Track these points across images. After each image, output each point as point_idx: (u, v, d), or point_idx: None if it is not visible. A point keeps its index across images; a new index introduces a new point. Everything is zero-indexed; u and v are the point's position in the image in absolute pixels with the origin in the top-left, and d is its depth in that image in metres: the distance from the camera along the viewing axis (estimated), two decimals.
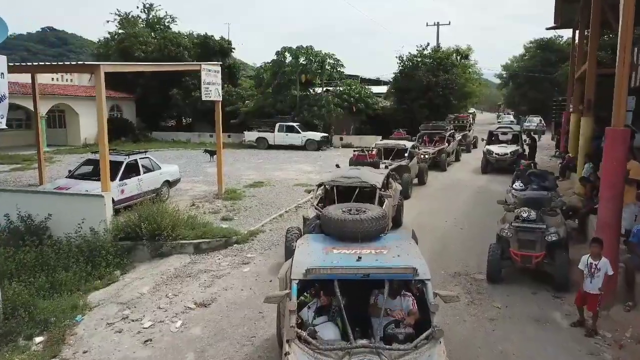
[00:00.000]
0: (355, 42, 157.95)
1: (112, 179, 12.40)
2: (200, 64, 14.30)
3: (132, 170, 13.43)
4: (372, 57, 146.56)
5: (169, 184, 14.87)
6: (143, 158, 14.05)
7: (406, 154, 16.37)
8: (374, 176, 9.98)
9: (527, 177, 12.30)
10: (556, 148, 25.29)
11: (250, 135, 31.24)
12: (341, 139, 32.60)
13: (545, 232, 8.23)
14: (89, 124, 31.70)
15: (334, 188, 9.80)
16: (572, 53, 23.71)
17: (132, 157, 13.58)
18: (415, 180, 16.99)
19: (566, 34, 67.57)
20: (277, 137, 30.43)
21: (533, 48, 54.08)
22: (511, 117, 52.64)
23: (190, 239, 10.40)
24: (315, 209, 9.31)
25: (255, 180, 18.37)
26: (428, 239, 10.91)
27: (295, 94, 32.69)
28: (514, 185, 11.36)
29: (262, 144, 30.71)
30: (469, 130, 29.69)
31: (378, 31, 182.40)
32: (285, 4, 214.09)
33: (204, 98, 14.42)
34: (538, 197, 9.57)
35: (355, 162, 11.85)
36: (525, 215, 8.47)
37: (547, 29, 23.93)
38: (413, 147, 17.27)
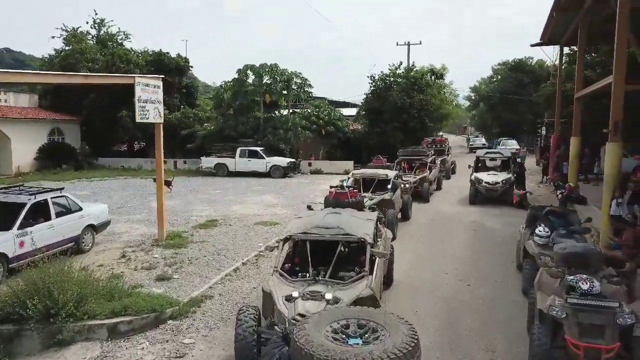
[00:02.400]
0: (323, 65, 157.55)
1: (8, 227, 9.30)
2: (134, 77, 11.32)
3: (40, 213, 10.27)
4: (340, 80, 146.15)
5: (94, 228, 11.69)
6: (57, 197, 10.88)
7: (389, 186, 13.74)
8: (361, 224, 7.20)
9: (546, 217, 9.83)
10: (543, 174, 23.26)
11: (208, 161, 28.14)
12: (310, 164, 29.87)
13: (618, 312, 5.62)
14: (24, 149, 28.07)
15: (307, 242, 6.98)
16: (559, 72, 21.92)
17: (41, 197, 10.40)
18: (399, 215, 14.37)
19: (537, 55, 68.01)
20: (238, 163, 27.44)
21: (503, 70, 53.29)
22: (482, 140, 51.29)
23: (104, 318, 7.31)
24: (279, 276, 6.45)
25: (209, 217, 15.33)
26: (430, 306, 8.19)
27: (258, 115, 29.94)
28: (537, 231, 8.77)
29: (221, 171, 27.64)
30: (448, 155, 27.55)
31: (346, 54, 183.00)
32: (251, 24, 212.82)
33: (138, 119, 11.43)
34: (585, 252, 6.96)
35: (332, 202, 9.04)
36: (585, 286, 5.84)
37: (532, 45, 22.13)
38: (396, 176, 14.66)
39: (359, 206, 9.07)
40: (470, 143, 52.25)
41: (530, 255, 8.80)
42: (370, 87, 32.88)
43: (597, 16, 15.96)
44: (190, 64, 35.02)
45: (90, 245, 11.44)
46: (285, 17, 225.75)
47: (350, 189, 9.67)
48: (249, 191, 21.61)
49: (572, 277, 6.03)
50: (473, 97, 62.09)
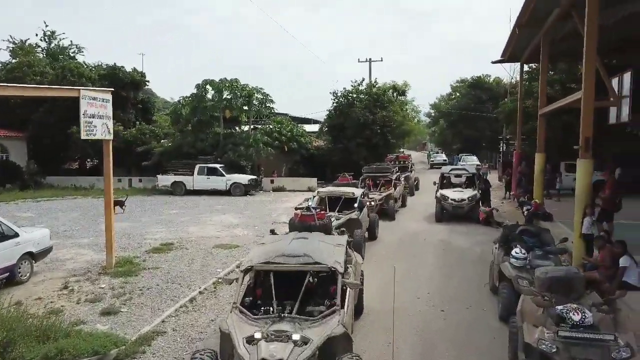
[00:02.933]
0: (285, 80, 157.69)
1: None
2: (79, 89, 10.36)
3: None
4: (303, 96, 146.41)
5: (33, 256, 10.52)
6: None
7: (355, 204, 13.16)
8: (331, 251, 6.53)
9: (520, 237, 9.46)
10: (506, 190, 23.31)
11: (165, 180, 26.92)
12: (272, 181, 29.08)
13: (613, 346, 5.15)
14: None
15: (271, 273, 6.24)
16: (520, 89, 22.16)
17: None
18: (366, 235, 13.78)
19: (494, 73, 69.81)
20: (196, 180, 26.36)
21: (461, 87, 54.33)
22: (443, 156, 51.83)
23: None
24: (239, 313, 5.67)
25: (164, 240, 14.31)
26: (405, 336, 7.56)
27: (218, 131, 29.04)
28: (513, 253, 8.33)
29: (179, 190, 26.47)
30: (411, 171, 27.36)
31: (309, 70, 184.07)
32: (214, 40, 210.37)
33: (84, 136, 10.47)
34: (568, 276, 6.55)
35: (298, 225, 8.33)
36: (577, 317, 5.35)
37: (494, 62, 22.34)
38: (363, 195, 14.11)
39: (327, 229, 8.41)
40: (431, 159, 52.71)
41: (507, 278, 8.35)
42: (333, 103, 32.65)
43: (558, 34, 16.12)
44: (147, 79, 33.75)
45: (27, 275, 10.27)
46: (249, 33, 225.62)
47: (317, 210, 8.99)
48: (207, 211, 20.62)
49: (561, 308, 5.54)
50: (433, 114, 63.02)
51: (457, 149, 52.83)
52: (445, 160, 51.48)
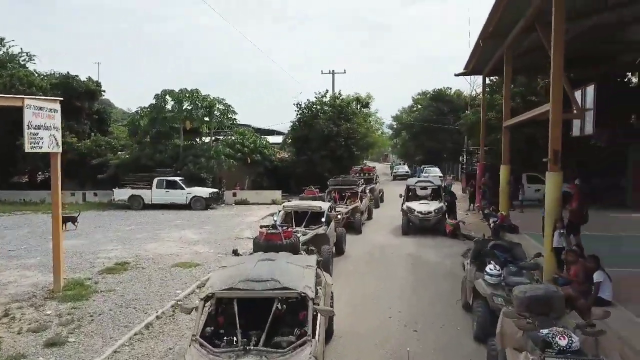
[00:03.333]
0: (247, 92, 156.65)
1: None
2: (23, 98, 9.51)
3: None
4: (266, 107, 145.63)
5: None
6: None
7: (323, 219, 12.70)
8: (300, 274, 6.03)
9: (492, 253, 9.22)
10: (470, 202, 23.41)
11: (122, 193, 25.75)
12: (234, 194, 28.31)
13: None
14: None
15: (234, 300, 5.67)
16: (483, 101, 22.38)
17: None
18: (333, 249, 13.34)
19: (455, 85, 71.12)
20: (155, 194, 25.32)
21: (422, 99, 55.07)
22: (405, 168, 52.25)
23: None
24: (199, 347, 5.08)
25: (119, 259, 13.43)
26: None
27: (178, 143, 28.10)
28: (488, 269, 8.05)
29: (136, 204, 25.36)
30: (376, 183, 27.20)
31: (272, 81, 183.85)
32: (171, 49, 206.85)
33: (28, 149, 9.61)
34: (547, 295, 6.27)
35: (263, 244, 7.78)
36: (563, 342, 5.03)
37: (456, 75, 22.57)
38: (330, 208, 13.68)
39: (295, 248, 7.91)
40: (394, 171, 53.03)
41: (481, 296, 8.05)
42: (297, 114, 32.26)
43: (521, 47, 16.30)
44: (103, 88, 32.46)
45: None
46: (211, 44, 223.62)
47: (284, 228, 8.45)
48: (166, 226, 19.71)
49: (547, 332, 5.22)
50: (395, 126, 63.61)
51: (419, 160, 53.38)
52: (407, 172, 51.88)
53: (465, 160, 33.33)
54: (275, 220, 12.73)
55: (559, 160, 9.82)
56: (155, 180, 25.47)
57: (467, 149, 24.82)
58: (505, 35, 15.24)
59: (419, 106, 57.47)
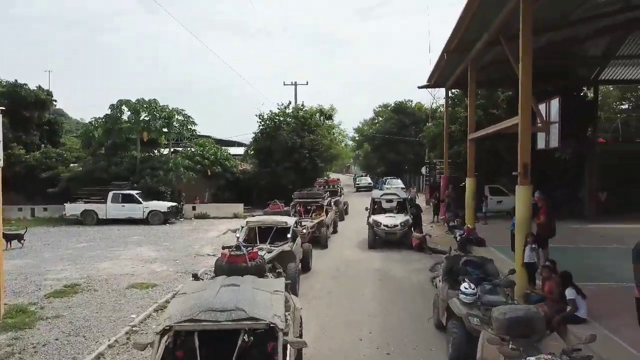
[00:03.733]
0: (207, 103, 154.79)
1: None
2: None
3: None
4: (228, 118, 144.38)
5: None
6: None
7: (289, 235, 12.18)
8: (268, 302, 5.47)
9: (465, 270, 8.97)
10: (434, 214, 23.42)
11: (74, 208, 24.41)
12: (194, 208, 27.35)
13: None
14: None
15: (195, 333, 5.07)
16: (446, 114, 22.52)
17: None
18: (299, 266, 12.83)
19: (416, 97, 72.19)
20: (110, 209, 24.13)
21: (384, 112, 55.58)
22: (368, 180, 52.41)
23: None
24: None
25: (68, 281, 12.48)
26: None
27: (135, 155, 26.99)
28: (462, 288, 7.75)
29: (89, 219, 24.09)
30: (340, 196, 26.91)
31: (233, 92, 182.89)
32: (131, 59, 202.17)
33: None
34: (528, 317, 6.00)
35: (226, 267, 7.18)
36: None
37: (420, 87, 22.61)
38: (296, 223, 13.18)
39: (261, 271, 7.35)
40: (357, 183, 53.13)
41: (456, 316, 7.74)
42: (259, 126, 31.71)
43: (484, 61, 16.43)
44: (54, 98, 30.94)
45: None
46: (171, 54, 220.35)
47: (249, 249, 7.89)
48: (122, 243, 18.68)
49: (534, 359, 4.90)
50: (357, 138, 63.93)
51: (381, 172, 53.67)
52: (370, 184, 52.08)
53: (428, 172, 33.52)
54: (238, 238, 12.15)
55: (528, 174, 9.72)
56: (110, 194, 24.29)
57: (431, 162, 24.88)
58: (469, 49, 15.30)
59: (380, 118, 57.99)
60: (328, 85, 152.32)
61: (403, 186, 42.16)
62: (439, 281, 9.22)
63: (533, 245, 9.64)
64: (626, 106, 39.92)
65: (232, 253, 7.56)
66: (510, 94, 23.11)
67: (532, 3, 9.94)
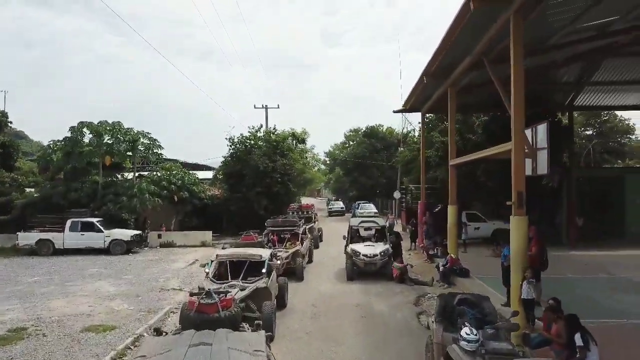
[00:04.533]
0: (176, 126, 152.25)
1: None
2: None
3: None
4: (197, 142, 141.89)
5: None
6: None
7: (263, 269, 11.14)
8: None
9: (459, 308, 8.16)
10: (412, 241, 22.71)
11: (28, 237, 22.61)
12: (160, 236, 25.84)
13: None
14: None
15: None
16: (422, 138, 22.04)
17: None
18: (274, 304, 11.74)
19: (387, 123, 72.72)
20: (68, 238, 22.44)
21: (354, 136, 55.44)
22: (341, 204, 51.78)
23: None
24: None
25: (14, 323, 11.07)
26: None
27: (96, 180, 25.45)
28: (464, 334, 6.90)
29: (45, 249, 22.32)
30: (315, 222, 25.94)
31: (203, 114, 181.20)
32: (96, 80, 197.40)
33: None
34: None
35: (195, 318, 6.11)
36: None
37: (395, 111, 22.15)
38: (271, 256, 12.16)
39: (235, 322, 6.32)
40: (329, 207, 52.42)
41: None
42: (230, 149, 30.62)
43: (461, 84, 16.01)
44: (9, 119, 29.15)
45: None
46: (138, 76, 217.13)
47: (222, 296, 6.82)
48: (79, 276, 17.15)
49: None
50: (328, 162, 63.48)
51: (353, 196, 53.11)
52: (342, 208, 51.46)
53: (404, 198, 32.96)
54: (207, 273, 11.06)
55: (523, 203, 9.08)
56: (68, 222, 22.62)
57: (407, 187, 24.30)
58: (449, 72, 14.85)
59: (351, 142, 57.82)
60: (297, 111, 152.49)
61: (376, 211, 41.62)
62: (432, 322, 8.37)
63: (531, 280, 8.92)
64: (590, 132, 40.74)
65: (201, 301, 6.48)
66: (486, 119, 22.93)
67: (522, 23, 9.47)
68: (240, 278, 11.01)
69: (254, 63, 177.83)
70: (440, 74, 15.03)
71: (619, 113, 36.72)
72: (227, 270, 11.34)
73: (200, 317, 6.17)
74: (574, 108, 22.84)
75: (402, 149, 34.99)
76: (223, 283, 10.70)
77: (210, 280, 10.85)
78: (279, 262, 15.26)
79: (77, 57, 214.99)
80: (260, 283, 10.61)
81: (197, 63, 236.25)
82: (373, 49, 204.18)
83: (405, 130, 44.35)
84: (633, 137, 42.46)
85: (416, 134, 42.92)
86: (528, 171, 13.16)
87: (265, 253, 11.79)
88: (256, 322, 6.68)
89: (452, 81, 15.21)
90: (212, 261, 11.59)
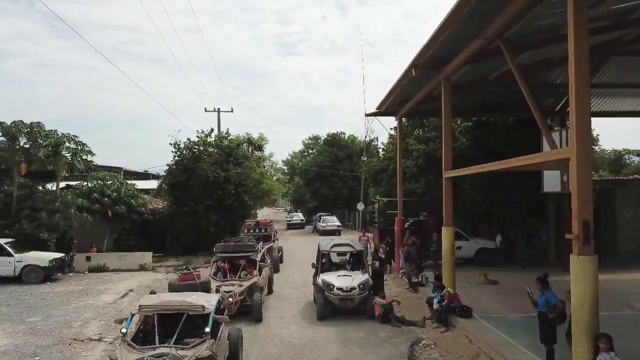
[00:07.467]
0: (121, 134, 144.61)
1: None
2: None
3: None
4: (142, 148, 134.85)
5: None
6: None
7: (207, 328, 7.72)
8: None
9: None
10: (387, 263, 19.69)
11: None
12: (88, 258, 21.68)
13: None
14: None
15: None
16: (399, 147, 19.20)
17: None
18: None
19: (348, 130, 70.19)
20: None
21: (314, 144, 52.66)
22: (301, 216, 48.68)
23: None
24: None
25: None
26: None
27: (10, 192, 21.14)
28: None
29: None
30: (275, 241, 22.53)
31: (149, 119, 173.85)
32: (33, 84, 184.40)
33: None
34: None
35: None
36: None
37: (367, 115, 19.45)
38: (220, 303, 8.77)
39: None
40: (288, 219, 49.29)
41: None
42: (175, 156, 26.77)
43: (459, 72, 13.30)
44: None
45: None
46: (78, 81, 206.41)
47: None
48: None
49: None
50: (286, 170, 60.26)
51: (313, 207, 50.06)
52: (302, 220, 48.33)
53: (374, 211, 30.12)
54: (125, 334, 7.58)
55: (591, 237, 6.23)
56: None
57: (379, 201, 21.48)
58: (446, 63, 12.04)
59: (311, 151, 54.98)
60: (252, 119, 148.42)
61: (339, 224, 38.69)
62: None
63: (612, 353, 6.00)
64: None
65: None
66: (469, 124, 20.46)
67: None
68: (173, 340, 7.60)
69: (208, 72, 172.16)
70: (433, 64, 12.18)
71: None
72: (155, 328, 7.85)
73: None
74: (566, 114, 20.68)
75: (365, 158, 32.16)
76: (146, 349, 7.27)
77: (128, 345, 7.38)
78: (230, 299, 11.98)
79: (15, 61, 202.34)
80: (202, 351, 7.21)
81: (147, 70, 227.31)
82: (328, 58, 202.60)
83: (367, 139, 41.90)
84: (596, 147, 41.68)
85: (380, 142, 40.56)
86: (550, 187, 10.53)
87: (210, 301, 8.36)
88: None
89: (448, 73, 12.39)
90: (132, 315, 8.10)
